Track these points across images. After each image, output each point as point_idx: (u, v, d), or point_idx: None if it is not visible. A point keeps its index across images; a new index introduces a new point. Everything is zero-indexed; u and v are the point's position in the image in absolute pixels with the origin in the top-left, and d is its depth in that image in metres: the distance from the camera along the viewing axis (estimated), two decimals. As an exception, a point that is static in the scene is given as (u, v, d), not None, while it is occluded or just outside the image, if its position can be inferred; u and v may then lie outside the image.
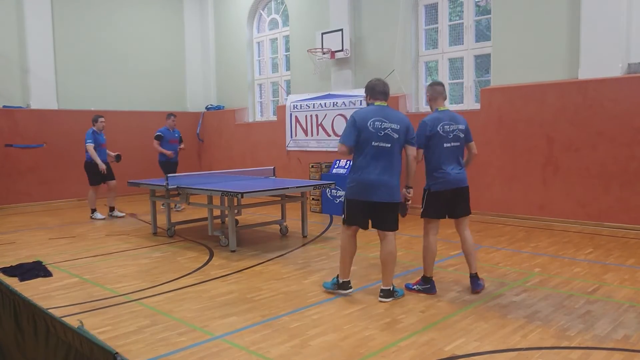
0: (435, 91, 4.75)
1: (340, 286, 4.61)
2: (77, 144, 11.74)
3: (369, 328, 3.82)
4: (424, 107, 9.54)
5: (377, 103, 4.48)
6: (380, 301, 4.46)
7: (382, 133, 4.32)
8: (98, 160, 9.02)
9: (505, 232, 7.30)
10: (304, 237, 7.23)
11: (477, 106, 8.69)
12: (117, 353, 1.56)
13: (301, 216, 7.32)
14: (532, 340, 3.53)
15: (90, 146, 9.01)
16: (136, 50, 12.87)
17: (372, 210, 4.43)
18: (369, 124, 4.31)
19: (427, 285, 4.67)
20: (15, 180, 10.88)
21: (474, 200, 8.49)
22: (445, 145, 4.60)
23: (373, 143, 4.31)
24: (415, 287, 4.72)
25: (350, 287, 4.62)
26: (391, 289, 4.49)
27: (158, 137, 9.98)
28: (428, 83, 5.37)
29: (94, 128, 9.16)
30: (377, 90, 4.49)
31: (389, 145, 4.34)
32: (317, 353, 3.41)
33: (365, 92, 4.62)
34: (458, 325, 3.84)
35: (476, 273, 4.69)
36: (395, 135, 4.35)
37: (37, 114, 11.15)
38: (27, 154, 11.03)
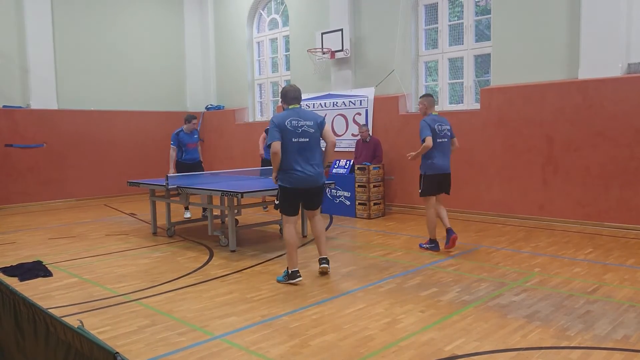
0: (431, 102, 6.24)
1: (289, 276, 4.98)
2: (77, 144, 11.79)
3: (369, 328, 3.82)
4: (424, 107, 9.54)
5: (291, 107, 5.11)
6: (324, 267, 5.18)
7: (300, 130, 4.98)
8: (170, 166, 8.55)
9: (505, 232, 7.30)
10: (304, 236, 7.23)
11: (477, 106, 8.69)
12: (117, 353, 1.56)
13: (301, 216, 7.33)
14: (532, 340, 3.53)
15: (171, 150, 8.57)
16: (136, 50, 12.87)
17: (303, 197, 5.14)
18: (286, 123, 4.95)
19: (432, 244, 6.26)
20: (15, 180, 10.87)
21: (474, 199, 8.56)
22: (438, 140, 6.04)
23: (293, 139, 4.96)
24: (425, 245, 6.31)
25: (299, 276, 4.96)
26: (327, 257, 5.24)
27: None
28: (421, 95, 6.53)
29: (183, 128, 8.67)
30: (289, 97, 5.14)
31: (307, 139, 5.01)
32: (317, 353, 3.41)
33: (280, 97, 5.23)
34: (458, 325, 3.84)
35: (450, 227, 6.16)
36: (312, 130, 5.03)
37: (37, 114, 11.15)
38: (27, 154, 11.03)
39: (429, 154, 6.01)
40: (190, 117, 8.70)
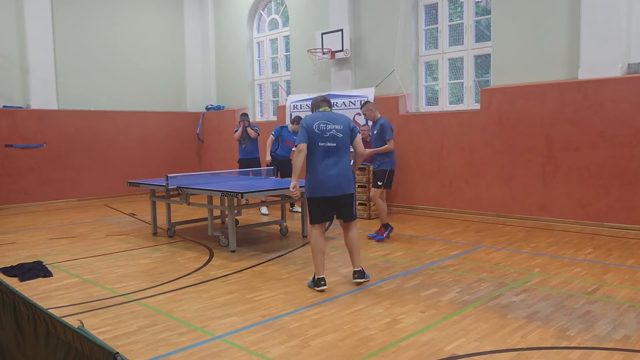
0: (376, 106, 6.96)
1: (314, 283, 4.81)
2: (77, 144, 11.79)
3: (369, 328, 3.82)
4: (424, 107, 9.55)
5: (322, 109, 5.00)
6: (357, 282, 4.91)
7: (328, 134, 4.81)
8: (267, 153, 9.21)
9: (505, 232, 7.30)
10: (304, 237, 7.23)
11: (477, 106, 8.68)
12: (117, 353, 1.56)
13: (301, 216, 7.33)
14: (532, 340, 3.53)
15: (269, 139, 9.22)
16: (136, 50, 12.86)
17: (332, 205, 4.92)
18: (314, 127, 4.81)
19: (388, 228, 6.92)
20: (15, 180, 10.87)
21: (474, 199, 8.56)
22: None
23: (320, 144, 4.81)
24: (383, 236, 6.86)
25: (323, 284, 4.76)
26: (362, 269, 4.99)
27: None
28: (366, 101, 7.09)
29: (288, 126, 9.42)
30: (319, 100, 5.06)
31: (335, 144, 4.83)
32: (317, 353, 3.41)
33: (311, 108, 5.16)
34: (458, 325, 3.84)
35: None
36: (340, 135, 4.85)
37: (37, 114, 11.14)
38: (27, 154, 11.03)
39: (392, 152, 6.82)
40: (298, 119, 9.16)
